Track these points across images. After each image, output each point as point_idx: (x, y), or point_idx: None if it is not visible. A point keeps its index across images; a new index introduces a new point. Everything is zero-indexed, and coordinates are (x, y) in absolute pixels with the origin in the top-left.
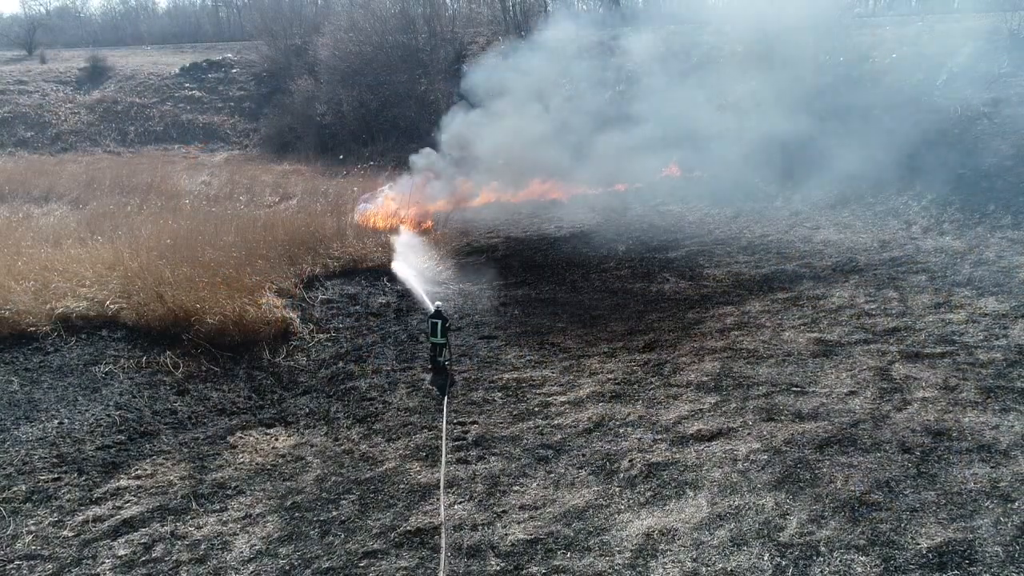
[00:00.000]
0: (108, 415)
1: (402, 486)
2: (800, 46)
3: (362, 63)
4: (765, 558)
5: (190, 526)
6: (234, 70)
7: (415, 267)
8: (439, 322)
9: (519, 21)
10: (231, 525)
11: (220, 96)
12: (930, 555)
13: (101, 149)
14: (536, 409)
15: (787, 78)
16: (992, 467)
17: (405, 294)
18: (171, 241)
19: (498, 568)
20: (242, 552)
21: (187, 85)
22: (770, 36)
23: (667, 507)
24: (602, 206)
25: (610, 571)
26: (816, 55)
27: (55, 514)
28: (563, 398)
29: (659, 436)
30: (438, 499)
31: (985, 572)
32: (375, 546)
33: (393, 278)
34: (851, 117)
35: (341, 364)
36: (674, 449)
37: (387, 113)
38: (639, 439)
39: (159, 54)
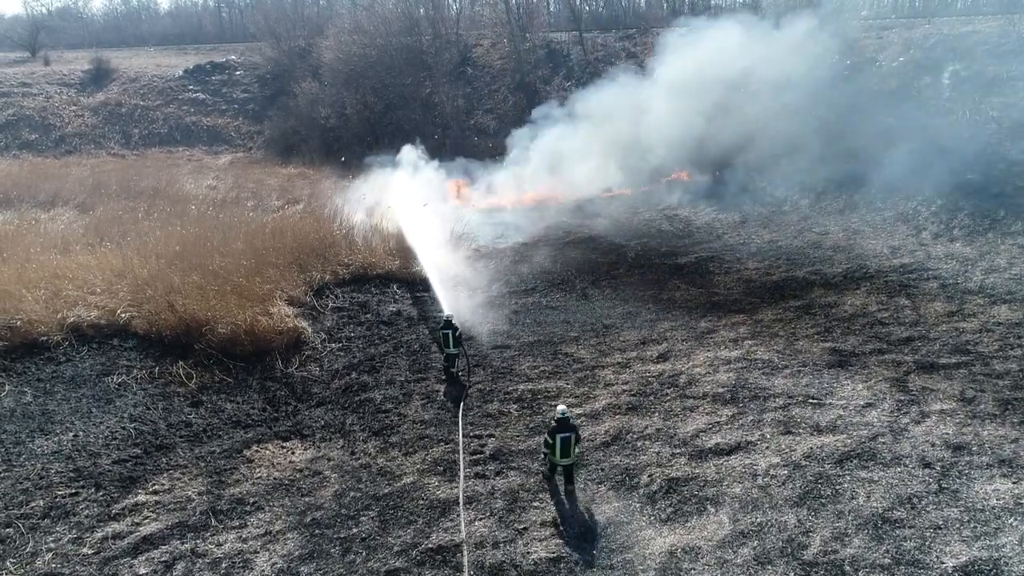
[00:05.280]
0: (123, 427)
1: (421, 502)
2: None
3: (366, 65)
4: None
5: (210, 543)
6: (237, 72)
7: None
8: (450, 332)
9: (523, 22)
10: (251, 543)
11: (224, 98)
12: (956, 574)
13: (105, 152)
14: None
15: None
16: (1014, 483)
17: (416, 301)
18: (180, 248)
19: None
20: (263, 571)
21: (191, 87)
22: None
23: (689, 524)
24: (609, 211)
25: None
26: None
27: (74, 531)
28: (579, 410)
29: (677, 450)
30: (458, 515)
31: None
32: (397, 564)
33: (403, 285)
34: (858, 121)
35: (354, 375)
36: (693, 463)
37: (391, 116)
38: (657, 453)
39: (162, 55)
